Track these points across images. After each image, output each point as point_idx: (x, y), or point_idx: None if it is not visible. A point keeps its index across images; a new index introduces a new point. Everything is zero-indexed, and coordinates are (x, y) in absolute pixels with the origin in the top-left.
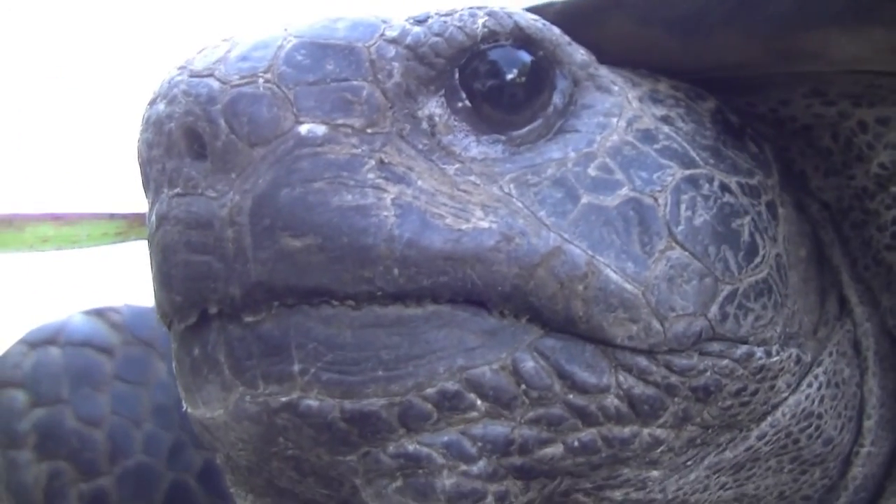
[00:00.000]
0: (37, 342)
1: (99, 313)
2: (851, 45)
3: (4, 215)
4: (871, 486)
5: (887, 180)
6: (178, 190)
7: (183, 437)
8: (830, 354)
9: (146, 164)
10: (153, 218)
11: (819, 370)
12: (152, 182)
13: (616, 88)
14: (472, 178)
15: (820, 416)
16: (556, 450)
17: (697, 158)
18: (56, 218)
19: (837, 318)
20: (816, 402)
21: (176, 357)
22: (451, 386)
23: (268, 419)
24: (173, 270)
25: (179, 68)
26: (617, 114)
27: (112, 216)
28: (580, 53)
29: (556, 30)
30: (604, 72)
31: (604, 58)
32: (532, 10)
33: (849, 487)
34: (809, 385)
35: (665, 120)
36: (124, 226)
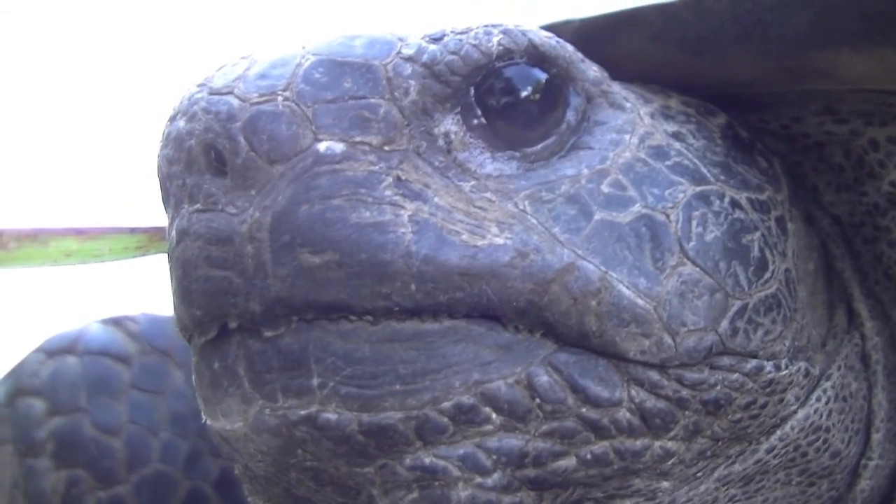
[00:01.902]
0: (54, 351)
1: (116, 322)
2: (863, 65)
3: (30, 230)
4: (878, 498)
5: None
6: (198, 206)
7: (200, 445)
8: (839, 368)
9: (166, 180)
10: (173, 233)
11: (828, 384)
12: (172, 197)
13: (628, 105)
14: (488, 194)
15: (828, 430)
16: (569, 462)
17: (708, 175)
18: (79, 233)
19: (846, 332)
20: (825, 416)
21: (196, 370)
22: (467, 400)
23: (287, 432)
24: (193, 285)
25: (199, 85)
26: (629, 130)
27: (133, 231)
28: (593, 70)
29: (570, 47)
30: (616, 88)
31: (619, 74)
32: (550, 27)
33: (857, 499)
34: (818, 399)
35: (676, 136)
36: (145, 240)
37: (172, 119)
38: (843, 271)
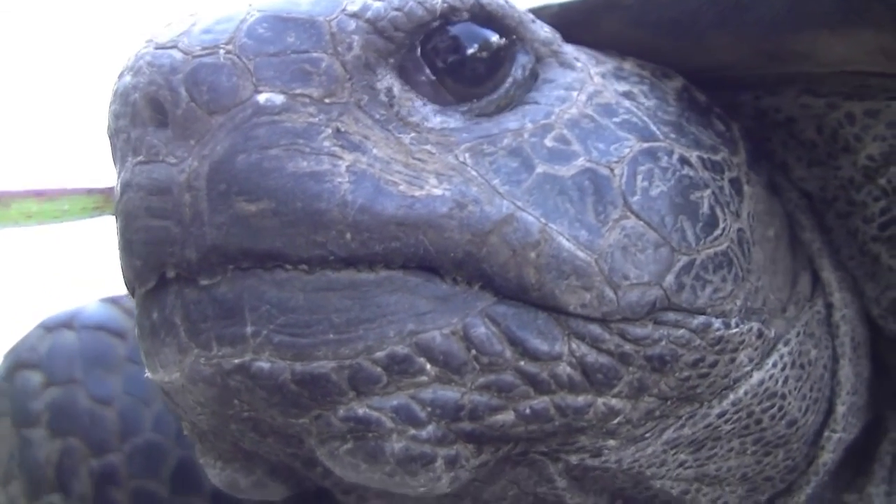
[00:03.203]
0: (53, 326)
1: (113, 300)
2: (841, 47)
3: None
4: (834, 468)
5: (875, 172)
6: (140, 158)
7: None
8: (798, 335)
9: (113, 135)
10: (118, 186)
11: (785, 349)
12: (118, 152)
13: (579, 65)
14: (428, 147)
15: (783, 397)
16: (507, 416)
17: (657, 132)
18: (39, 194)
19: (808, 300)
20: (780, 382)
21: (137, 322)
22: (401, 350)
23: (222, 381)
24: (134, 236)
25: (146, 42)
26: (578, 88)
27: (90, 191)
28: (544, 31)
29: (520, 7)
30: (568, 49)
31: None
32: (531, 11)
33: (819, 472)
34: (774, 365)
35: (627, 95)
36: (101, 200)
37: (120, 75)
38: (812, 242)
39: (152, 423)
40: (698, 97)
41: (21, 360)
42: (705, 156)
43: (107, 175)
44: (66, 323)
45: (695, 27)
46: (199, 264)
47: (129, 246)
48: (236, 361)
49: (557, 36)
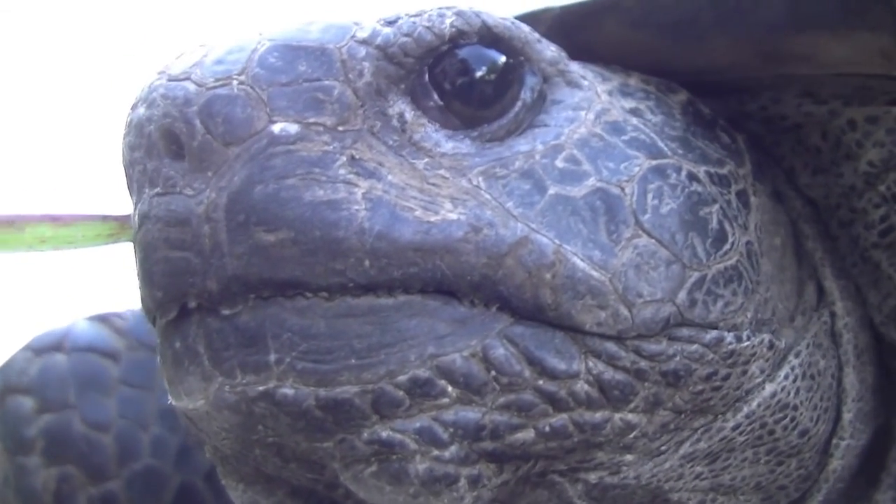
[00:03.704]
0: (42, 349)
1: (103, 319)
2: (840, 49)
3: (5, 216)
4: (847, 477)
5: (875, 178)
6: (157, 189)
7: (189, 439)
8: (808, 346)
9: (129, 167)
10: (136, 218)
11: (795, 361)
12: (135, 183)
13: (586, 83)
14: (442, 171)
15: (796, 408)
16: (527, 435)
17: (665, 149)
18: (54, 219)
19: (814, 309)
20: (792, 394)
21: (160, 351)
22: (423, 373)
23: (246, 408)
24: (154, 267)
25: (159, 73)
26: (585, 107)
27: (105, 218)
28: (550, 50)
29: (525, 28)
30: (574, 67)
31: (598, 61)
32: (529, 15)
33: (829, 479)
34: (786, 377)
35: (634, 112)
36: (116, 227)
37: (134, 107)
38: (815, 251)
39: (150, 447)
40: (703, 110)
41: (11, 384)
42: (712, 170)
43: (121, 201)
44: (55, 345)
45: (695, 29)
46: (221, 294)
47: (150, 277)
48: (261, 389)
49: (563, 55)
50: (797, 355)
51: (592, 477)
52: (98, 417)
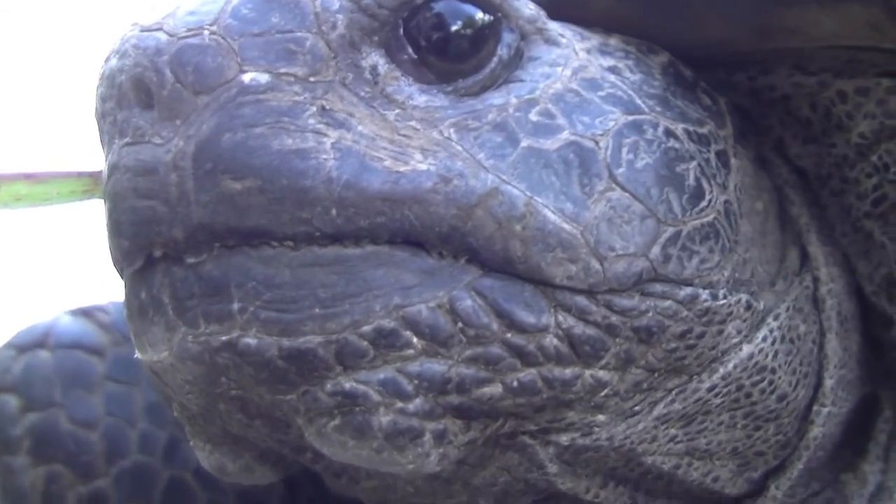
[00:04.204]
0: (25, 346)
1: (86, 313)
2: (830, 22)
3: None
4: (829, 445)
5: (867, 149)
6: (127, 139)
7: (178, 434)
8: (787, 309)
9: (100, 119)
10: (106, 169)
11: (774, 324)
12: (106, 135)
13: (564, 41)
14: (413, 123)
15: (773, 371)
16: (494, 389)
17: (643, 106)
18: (28, 177)
19: (797, 274)
20: (770, 357)
21: (126, 303)
22: (388, 323)
23: (209, 358)
24: (122, 217)
25: (132, 24)
26: (562, 63)
27: (79, 174)
28: (528, 8)
29: None
30: (553, 25)
31: None
32: None
33: (810, 447)
34: (764, 339)
35: (612, 70)
36: (90, 184)
37: (107, 59)
38: (800, 217)
39: (138, 443)
40: (684, 72)
41: None
42: (691, 128)
43: (95, 159)
44: (39, 342)
45: (684, 2)
46: (186, 243)
47: (117, 227)
48: (223, 338)
49: (542, 13)
50: (776, 318)
51: (564, 438)
52: (84, 415)
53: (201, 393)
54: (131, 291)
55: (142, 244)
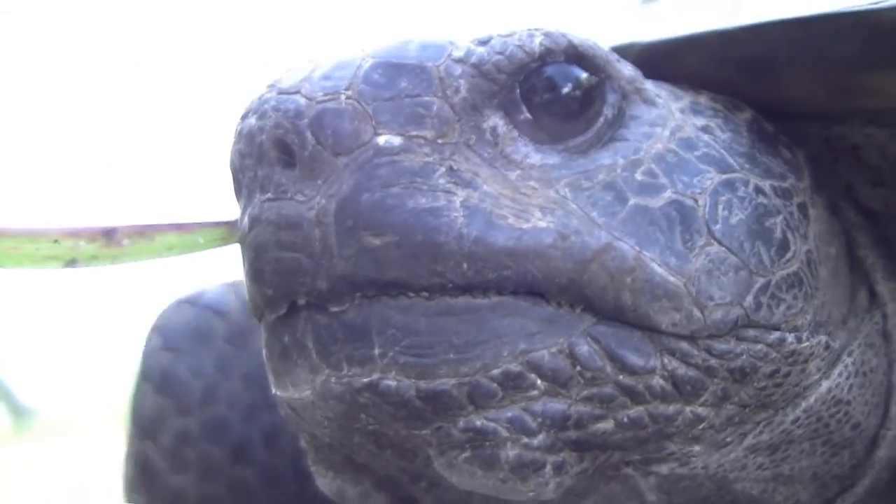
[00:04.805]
0: (182, 301)
1: (232, 285)
2: None
3: (138, 226)
4: (893, 466)
5: None
6: (269, 195)
7: (259, 399)
8: (860, 345)
9: (239, 172)
10: (246, 220)
11: (849, 360)
12: (245, 189)
13: (661, 101)
14: (532, 182)
15: (849, 403)
16: (607, 425)
17: (734, 164)
18: (178, 227)
19: (867, 311)
20: (846, 390)
21: (266, 345)
22: (515, 367)
23: (351, 398)
24: (265, 266)
25: (269, 87)
26: (661, 124)
27: (217, 224)
28: (628, 69)
29: (605, 47)
30: (649, 86)
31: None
32: (616, 49)
33: (875, 466)
34: (840, 374)
35: (705, 129)
36: (227, 232)
37: (244, 117)
38: (866, 258)
39: (227, 398)
40: (766, 127)
41: (155, 324)
42: (776, 184)
43: (218, 207)
44: (191, 300)
45: (772, 64)
46: (329, 293)
47: (261, 276)
48: (365, 380)
49: (639, 73)
50: (850, 354)
51: (664, 469)
52: (196, 365)
53: (339, 427)
54: (273, 335)
55: (286, 293)
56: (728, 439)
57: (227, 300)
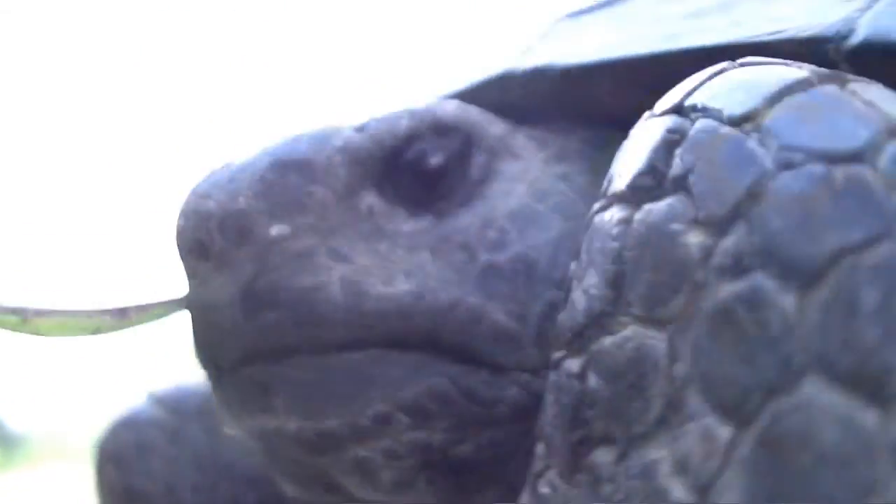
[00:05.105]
0: (118, 424)
1: (154, 395)
2: None
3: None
4: None
5: None
6: (196, 281)
7: (213, 476)
8: None
9: (182, 260)
10: (188, 302)
11: None
12: (185, 274)
13: (526, 153)
14: (400, 250)
15: None
16: (467, 447)
17: (584, 209)
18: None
19: None
20: None
21: (213, 395)
22: (384, 408)
23: (266, 437)
24: (199, 339)
25: (191, 192)
26: (520, 178)
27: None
28: (497, 127)
29: (475, 111)
30: (519, 139)
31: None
32: (536, 70)
33: None
34: None
35: (563, 177)
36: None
37: (178, 217)
38: None
39: (189, 487)
40: None
41: (102, 450)
42: None
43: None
44: (127, 422)
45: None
46: (241, 361)
47: (197, 347)
48: (272, 425)
49: (510, 129)
50: None
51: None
52: (148, 472)
53: (265, 454)
54: (214, 389)
55: (212, 359)
56: None
57: (157, 413)
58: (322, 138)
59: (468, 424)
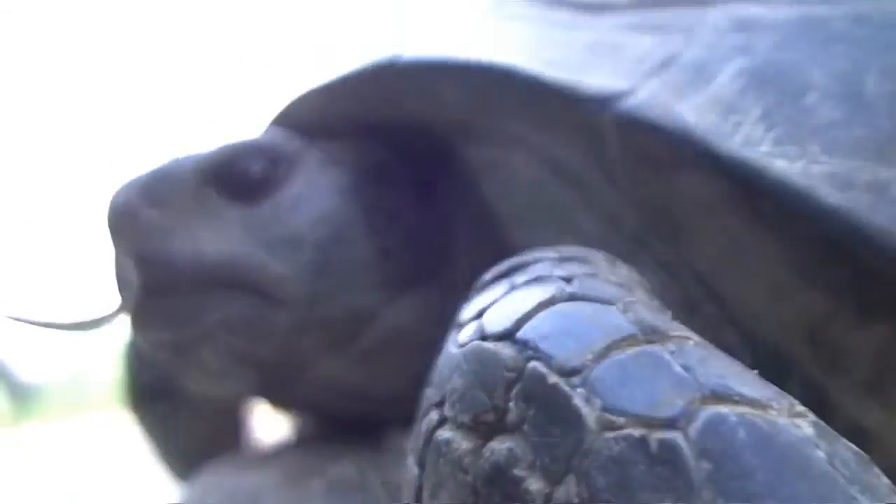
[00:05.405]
0: None
1: None
2: None
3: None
4: None
5: None
6: (115, 249)
7: None
8: None
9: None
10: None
11: None
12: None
13: (312, 161)
14: (227, 227)
15: None
16: (263, 351)
17: (338, 199)
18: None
19: None
20: None
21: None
22: (212, 324)
23: (156, 345)
24: (118, 284)
25: (112, 192)
26: (304, 177)
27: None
28: (296, 144)
29: (281, 136)
30: (313, 151)
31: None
32: (378, 64)
33: None
34: None
35: (330, 174)
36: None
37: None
38: None
39: None
40: (390, 161)
41: None
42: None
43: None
44: None
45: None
46: (139, 296)
47: (118, 288)
48: (156, 337)
49: (306, 145)
50: None
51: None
52: None
53: (160, 356)
54: (126, 312)
55: (123, 294)
56: None
57: None
58: (183, 159)
59: (259, 336)
